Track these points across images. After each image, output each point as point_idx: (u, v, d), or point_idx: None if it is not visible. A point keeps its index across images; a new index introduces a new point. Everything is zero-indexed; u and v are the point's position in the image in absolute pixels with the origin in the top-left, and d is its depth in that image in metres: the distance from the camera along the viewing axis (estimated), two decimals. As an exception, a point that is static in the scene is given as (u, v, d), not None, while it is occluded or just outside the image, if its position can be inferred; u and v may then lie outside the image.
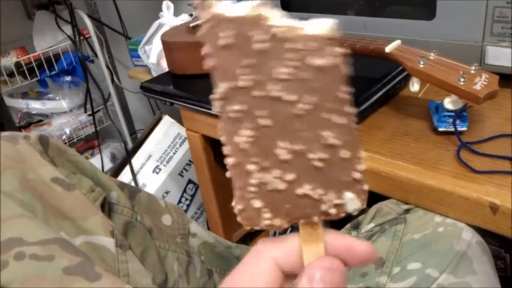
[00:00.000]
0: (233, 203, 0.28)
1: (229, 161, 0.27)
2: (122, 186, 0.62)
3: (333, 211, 0.28)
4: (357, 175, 0.28)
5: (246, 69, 0.26)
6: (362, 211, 0.64)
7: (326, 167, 0.27)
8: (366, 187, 0.28)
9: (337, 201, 0.28)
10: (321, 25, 0.26)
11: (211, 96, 0.26)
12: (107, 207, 0.57)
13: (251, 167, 0.27)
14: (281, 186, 0.27)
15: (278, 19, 0.25)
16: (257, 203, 0.27)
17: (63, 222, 0.48)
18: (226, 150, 0.27)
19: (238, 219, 0.28)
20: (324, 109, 0.26)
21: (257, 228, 0.28)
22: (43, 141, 0.54)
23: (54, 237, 0.45)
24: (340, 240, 0.28)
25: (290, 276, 0.28)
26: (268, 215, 0.28)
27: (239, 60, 0.25)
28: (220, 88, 0.26)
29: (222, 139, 0.27)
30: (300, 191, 0.27)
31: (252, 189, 0.27)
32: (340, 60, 0.26)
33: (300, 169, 0.27)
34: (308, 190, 0.27)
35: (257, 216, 0.28)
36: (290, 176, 0.27)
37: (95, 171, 0.58)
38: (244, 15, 0.25)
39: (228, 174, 0.28)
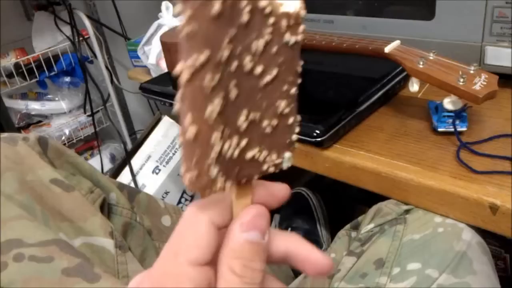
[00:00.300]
0: (182, 172, 0.28)
1: (190, 130, 0.27)
2: (121, 187, 0.61)
3: (272, 169, 0.31)
4: (295, 137, 0.31)
5: (231, 40, 0.26)
6: (362, 212, 0.64)
7: (274, 132, 0.30)
8: (297, 144, 0.31)
9: (277, 161, 0.31)
10: (295, 3, 0.27)
11: (180, 66, 0.26)
12: (106, 208, 0.57)
13: (215, 135, 0.27)
14: (236, 152, 0.28)
15: None
16: (215, 170, 0.28)
17: (62, 223, 0.48)
18: (187, 121, 0.27)
19: (187, 184, 0.28)
20: (285, 81, 0.29)
21: (208, 192, 0.29)
22: (42, 143, 0.54)
23: (53, 239, 0.45)
24: (260, 186, 0.31)
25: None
26: (222, 179, 0.29)
27: (226, 30, 0.26)
28: (200, 55, 0.25)
29: (182, 109, 0.27)
30: (249, 154, 0.29)
31: (214, 155, 0.28)
32: (302, 37, 0.28)
33: (252, 134, 0.29)
34: (256, 154, 0.29)
35: (211, 182, 0.28)
36: (244, 142, 0.29)
37: (94, 172, 0.58)
38: None
39: (180, 142, 0.28)
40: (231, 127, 0.28)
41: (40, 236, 0.45)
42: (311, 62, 0.83)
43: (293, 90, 0.29)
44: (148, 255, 0.59)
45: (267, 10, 0.26)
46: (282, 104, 0.29)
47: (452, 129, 0.60)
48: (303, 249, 0.30)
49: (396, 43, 0.66)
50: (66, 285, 0.42)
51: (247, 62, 0.27)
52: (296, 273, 0.78)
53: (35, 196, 0.48)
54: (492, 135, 0.59)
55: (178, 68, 0.25)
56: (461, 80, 0.57)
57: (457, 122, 0.60)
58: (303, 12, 0.27)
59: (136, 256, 0.56)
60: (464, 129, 0.60)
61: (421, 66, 0.60)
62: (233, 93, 0.27)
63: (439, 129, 0.61)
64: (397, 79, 0.73)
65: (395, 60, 0.63)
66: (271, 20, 0.27)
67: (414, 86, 0.63)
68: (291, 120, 0.30)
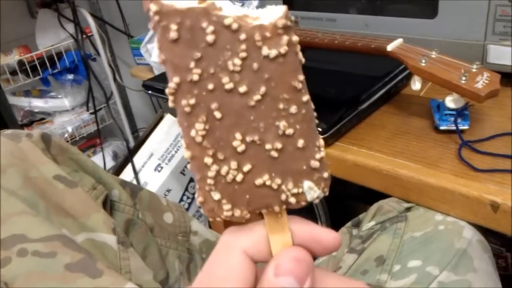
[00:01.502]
0: (195, 195, 0.28)
1: (186, 154, 0.27)
2: (124, 184, 0.62)
3: (292, 200, 0.28)
4: (315, 164, 0.27)
5: (198, 62, 0.25)
6: (363, 209, 0.64)
7: (283, 156, 0.27)
8: (326, 174, 0.28)
9: (295, 190, 0.28)
10: (275, 13, 0.25)
11: (166, 90, 0.26)
12: (108, 205, 0.57)
13: (207, 159, 0.27)
14: (239, 177, 0.27)
15: (230, 9, 0.25)
16: (216, 195, 0.27)
17: (65, 219, 0.49)
18: (183, 143, 0.27)
19: (202, 211, 0.28)
20: (278, 99, 0.26)
21: (219, 219, 0.28)
22: (46, 139, 0.55)
23: (56, 234, 0.45)
24: (306, 229, 0.28)
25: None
26: (227, 206, 0.27)
27: (190, 53, 0.25)
28: (172, 82, 0.25)
29: (181, 132, 0.27)
30: (258, 181, 0.27)
31: (210, 181, 0.27)
32: (293, 49, 0.26)
33: (257, 159, 0.27)
34: (266, 180, 0.27)
35: (217, 208, 0.27)
36: (247, 167, 0.27)
37: (97, 169, 0.58)
38: (194, 7, 0.25)
39: (189, 166, 0.28)
40: (225, 150, 0.27)
41: (43, 232, 0.45)
42: (313, 60, 0.83)
43: (293, 109, 0.26)
44: (149, 252, 0.59)
45: (234, 27, 0.25)
46: (282, 125, 0.26)
47: (454, 128, 0.60)
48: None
49: (399, 41, 0.66)
50: (69, 280, 0.43)
51: (226, 81, 0.25)
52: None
53: (38, 192, 0.48)
54: (494, 133, 0.60)
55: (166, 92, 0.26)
56: (463, 78, 0.57)
57: (459, 120, 0.60)
58: (281, 22, 0.25)
59: (138, 253, 0.56)
60: (466, 127, 0.61)
61: (423, 64, 0.60)
62: (218, 114, 0.26)
63: (441, 127, 0.61)
64: (399, 77, 0.73)
65: (397, 58, 0.63)
66: (242, 36, 0.25)
67: (416, 85, 0.63)
68: (300, 143, 0.27)
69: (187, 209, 1.35)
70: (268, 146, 0.27)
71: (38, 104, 1.56)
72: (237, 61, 0.25)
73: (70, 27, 1.52)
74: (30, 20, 1.54)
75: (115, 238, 0.51)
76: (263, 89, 0.26)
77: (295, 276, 0.25)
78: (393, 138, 0.63)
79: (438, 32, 0.74)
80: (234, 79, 0.26)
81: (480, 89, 0.56)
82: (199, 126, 0.26)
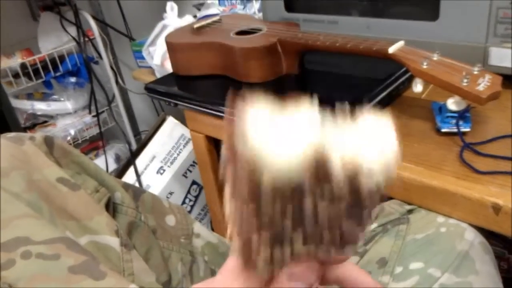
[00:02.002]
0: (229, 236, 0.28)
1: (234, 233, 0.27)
2: (126, 186, 0.62)
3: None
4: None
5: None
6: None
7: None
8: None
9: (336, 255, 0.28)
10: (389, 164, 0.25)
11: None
12: (111, 208, 0.57)
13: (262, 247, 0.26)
14: (287, 255, 0.27)
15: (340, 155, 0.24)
16: (261, 263, 0.27)
17: (69, 221, 0.49)
18: (231, 227, 0.27)
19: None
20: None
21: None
22: (48, 142, 0.55)
23: (60, 237, 0.45)
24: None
25: None
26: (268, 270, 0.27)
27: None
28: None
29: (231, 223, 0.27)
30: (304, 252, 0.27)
31: (258, 258, 0.27)
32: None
33: (311, 244, 0.27)
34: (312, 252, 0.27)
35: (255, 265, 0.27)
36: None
37: (99, 171, 0.58)
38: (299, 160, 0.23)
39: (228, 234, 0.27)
40: (281, 243, 0.26)
41: (47, 234, 0.45)
42: (315, 62, 0.84)
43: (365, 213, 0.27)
44: (152, 254, 0.59)
45: (341, 183, 0.24)
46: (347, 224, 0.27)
47: (456, 130, 0.60)
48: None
49: (400, 43, 0.66)
50: (72, 283, 0.43)
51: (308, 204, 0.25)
52: None
53: (42, 194, 0.48)
54: (496, 135, 0.60)
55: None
56: (465, 80, 0.57)
57: (461, 122, 0.60)
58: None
59: (141, 255, 0.56)
60: (467, 129, 0.61)
61: (425, 66, 0.60)
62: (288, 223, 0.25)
63: (443, 130, 0.61)
64: (401, 80, 0.73)
65: (399, 61, 0.64)
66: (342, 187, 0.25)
67: (417, 87, 0.63)
68: (356, 232, 0.28)
69: (190, 211, 1.35)
70: (324, 247, 0.27)
71: (41, 107, 1.57)
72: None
73: (72, 30, 1.53)
74: (32, 23, 1.55)
75: (118, 240, 0.51)
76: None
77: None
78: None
79: (439, 35, 0.74)
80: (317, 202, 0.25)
81: (482, 92, 0.56)
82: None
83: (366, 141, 0.25)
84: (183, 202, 1.34)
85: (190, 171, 1.33)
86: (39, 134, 0.55)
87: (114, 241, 0.51)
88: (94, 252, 0.48)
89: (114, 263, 0.50)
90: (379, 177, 0.25)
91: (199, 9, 1.44)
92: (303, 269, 0.27)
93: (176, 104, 0.87)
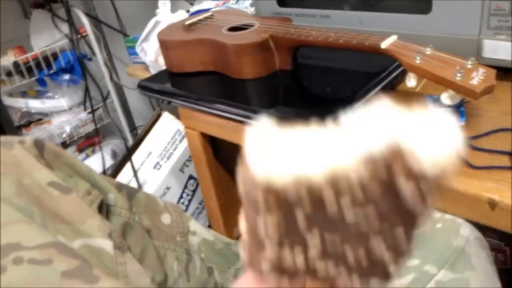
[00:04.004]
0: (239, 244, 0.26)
1: (241, 225, 0.25)
2: (120, 187, 0.61)
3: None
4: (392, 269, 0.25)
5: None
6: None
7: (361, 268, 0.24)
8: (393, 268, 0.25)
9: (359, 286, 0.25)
10: (442, 152, 0.20)
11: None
12: (104, 209, 0.57)
13: (270, 248, 0.24)
14: (300, 263, 0.24)
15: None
16: (268, 270, 0.25)
17: (61, 225, 0.48)
18: (242, 215, 0.25)
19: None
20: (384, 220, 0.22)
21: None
22: (39, 145, 0.54)
23: (52, 241, 0.45)
24: None
25: None
26: (276, 277, 0.25)
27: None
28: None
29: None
30: (320, 266, 0.24)
31: (266, 262, 0.24)
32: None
33: (330, 260, 0.24)
34: (332, 271, 0.24)
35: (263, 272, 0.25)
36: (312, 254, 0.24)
37: (92, 173, 0.58)
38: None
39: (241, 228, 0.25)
40: (297, 244, 0.24)
41: (38, 239, 0.45)
42: (308, 57, 0.83)
43: (397, 231, 0.23)
44: (147, 255, 0.59)
45: (380, 163, 0.20)
46: (374, 241, 0.23)
47: (450, 124, 0.60)
48: None
49: (393, 38, 0.65)
50: (65, 287, 0.42)
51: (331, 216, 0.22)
52: None
53: (33, 199, 0.48)
54: (491, 129, 0.59)
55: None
56: (459, 75, 0.56)
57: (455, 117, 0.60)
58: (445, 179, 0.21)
59: (136, 256, 0.56)
60: (462, 123, 0.60)
61: (418, 61, 0.60)
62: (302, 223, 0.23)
63: (437, 124, 0.61)
64: (394, 74, 0.73)
65: (392, 56, 0.63)
66: (383, 175, 0.21)
67: (411, 81, 0.62)
68: (385, 257, 0.24)
69: (187, 206, 1.35)
70: (349, 261, 0.24)
71: (35, 105, 1.56)
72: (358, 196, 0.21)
73: (65, 27, 1.52)
74: (24, 21, 1.54)
75: (112, 243, 0.51)
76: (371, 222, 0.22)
77: None
78: (389, 135, 0.63)
79: (432, 28, 0.73)
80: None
81: (476, 86, 0.55)
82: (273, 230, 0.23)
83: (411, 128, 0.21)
84: (181, 197, 1.34)
85: (187, 166, 1.33)
86: (29, 137, 0.54)
87: (107, 244, 0.51)
88: (87, 256, 0.47)
89: (108, 266, 0.50)
90: (430, 176, 0.20)
91: (192, 4, 1.43)
92: None
93: (169, 102, 0.87)
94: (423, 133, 0.20)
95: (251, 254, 0.26)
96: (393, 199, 0.21)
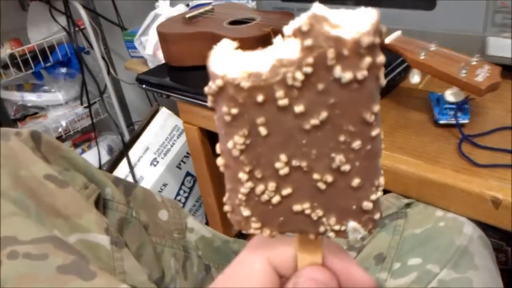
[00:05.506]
0: (224, 199, 0.26)
1: (219, 161, 0.25)
2: (117, 182, 0.60)
3: (331, 234, 0.25)
4: (367, 206, 0.24)
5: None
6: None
7: (331, 190, 0.24)
8: (378, 215, 0.25)
9: (337, 227, 0.25)
10: (362, 23, 0.20)
11: (205, 89, 0.23)
12: (101, 204, 0.56)
13: (242, 175, 0.24)
14: (275, 199, 0.24)
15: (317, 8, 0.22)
16: (246, 212, 0.25)
17: (57, 220, 0.47)
18: (218, 149, 0.25)
19: (228, 216, 0.27)
20: (340, 130, 0.22)
21: (245, 232, 0.26)
22: (35, 137, 0.53)
23: (48, 236, 0.44)
24: (341, 261, 0.26)
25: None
26: (257, 224, 0.25)
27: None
28: (214, 83, 0.22)
29: (219, 136, 0.25)
30: (297, 207, 0.25)
31: (242, 197, 0.25)
32: (375, 72, 0.21)
33: (300, 185, 0.24)
34: (306, 209, 0.25)
35: (245, 223, 0.26)
36: (286, 191, 0.24)
37: (89, 167, 0.57)
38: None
39: (221, 169, 0.25)
40: (265, 170, 0.24)
41: (34, 233, 0.44)
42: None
43: (356, 144, 0.22)
44: (144, 251, 0.58)
45: (304, 28, 0.20)
46: (338, 159, 0.23)
47: (454, 122, 0.59)
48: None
49: (397, 33, 0.64)
50: (61, 283, 0.41)
51: (280, 96, 0.21)
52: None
53: (28, 192, 0.47)
54: (495, 127, 0.59)
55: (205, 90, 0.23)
56: (463, 71, 0.55)
57: (459, 114, 0.59)
58: (367, 40, 0.20)
59: (133, 252, 0.55)
60: (466, 121, 0.59)
61: (422, 57, 0.59)
62: (263, 131, 0.23)
63: (441, 122, 0.60)
64: (398, 70, 0.72)
65: (396, 51, 0.62)
66: (308, 42, 0.20)
67: (415, 78, 0.61)
68: (356, 182, 0.23)
69: (184, 203, 1.34)
70: (316, 176, 0.24)
71: (31, 98, 1.55)
72: (299, 75, 0.21)
73: (62, 20, 1.50)
74: (21, 13, 1.52)
75: (108, 238, 0.50)
76: (324, 115, 0.22)
77: None
78: (392, 132, 0.62)
79: (436, 24, 0.72)
80: (291, 95, 0.22)
81: (481, 83, 0.55)
82: (239, 139, 0.23)
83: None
84: (177, 194, 1.33)
85: (184, 163, 1.32)
86: (25, 129, 0.53)
87: (104, 239, 0.50)
88: (83, 251, 0.47)
89: (105, 262, 0.49)
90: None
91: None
92: (309, 279, 0.25)
93: (168, 96, 0.86)
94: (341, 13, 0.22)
95: (231, 198, 0.26)
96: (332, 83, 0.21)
